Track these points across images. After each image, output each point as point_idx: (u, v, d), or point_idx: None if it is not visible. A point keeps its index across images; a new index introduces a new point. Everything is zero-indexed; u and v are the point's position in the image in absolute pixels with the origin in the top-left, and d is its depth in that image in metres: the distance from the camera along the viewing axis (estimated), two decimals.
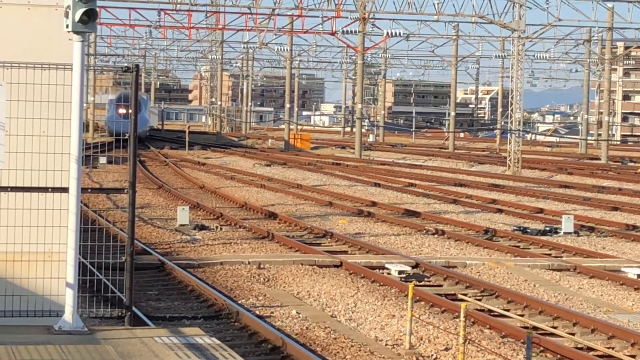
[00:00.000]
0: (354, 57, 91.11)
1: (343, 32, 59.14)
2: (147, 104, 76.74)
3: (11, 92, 9.54)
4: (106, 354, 8.31)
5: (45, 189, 9.52)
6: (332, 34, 60.79)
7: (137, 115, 9.47)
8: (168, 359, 8.21)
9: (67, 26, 9.07)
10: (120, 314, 9.63)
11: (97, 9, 8.88)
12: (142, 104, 70.56)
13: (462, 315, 13.33)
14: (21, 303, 9.49)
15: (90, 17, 8.87)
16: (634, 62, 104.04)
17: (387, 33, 59.58)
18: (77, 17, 8.90)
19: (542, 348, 14.42)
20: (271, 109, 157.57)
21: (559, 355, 14.18)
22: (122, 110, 63.61)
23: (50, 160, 9.60)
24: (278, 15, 58.63)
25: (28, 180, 9.61)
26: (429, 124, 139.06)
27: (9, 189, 9.51)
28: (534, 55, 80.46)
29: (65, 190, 9.34)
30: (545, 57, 78.92)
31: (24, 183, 9.60)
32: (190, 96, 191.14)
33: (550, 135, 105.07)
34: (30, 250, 9.59)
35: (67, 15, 9.01)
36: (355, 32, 59.87)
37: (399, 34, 60.68)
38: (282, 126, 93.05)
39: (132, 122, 9.44)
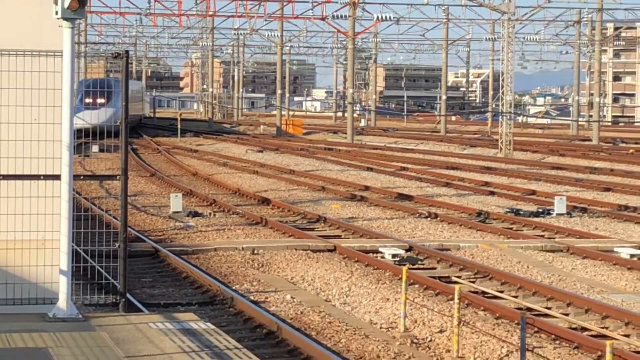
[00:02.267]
0: (344, 42, 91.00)
1: (333, 17, 59.03)
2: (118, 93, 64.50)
3: (1, 80, 9.51)
4: (101, 340, 8.31)
5: (37, 177, 9.50)
6: (323, 19, 60.75)
7: (127, 105, 9.43)
8: (163, 344, 8.22)
9: (57, 13, 9.05)
10: (115, 300, 9.63)
11: None
12: (114, 92, 57.07)
13: (456, 297, 13.36)
14: (15, 291, 9.48)
15: (79, 4, 8.85)
16: (624, 43, 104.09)
17: (378, 17, 59.48)
18: (66, 4, 8.87)
19: (536, 329, 14.46)
20: (262, 95, 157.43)
21: (553, 336, 14.22)
22: (87, 99, 56.03)
23: (42, 148, 9.58)
24: (268, 1, 58.54)
25: (20, 168, 9.59)
26: (420, 107, 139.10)
27: (0, 177, 9.49)
28: (524, 38, 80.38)
29: (57, 177, 9.32)
30: (536, 39, 78.81)
31: (16, 171, 9.58)
32: (181, 83, 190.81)
33: (542, 117, 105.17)
34: (23, 238, 9.57)
35: (56, 2, 8.98)
36: (345, 17, 59.77)
37: (390, 18, 60.57)
38: (274, 112, 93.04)
39: (124, 109, 9.43)
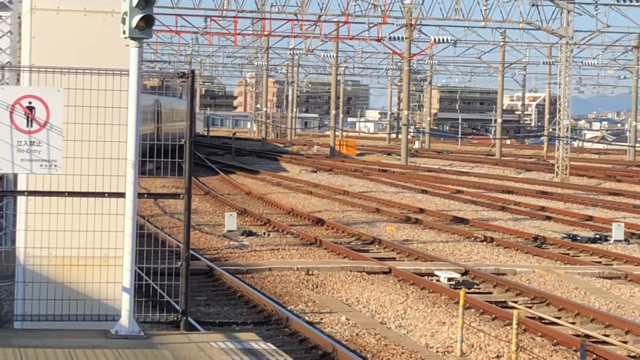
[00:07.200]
0: (399, 64, 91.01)
1: (390, 38, 58.94)
2: None
3: (68, 98, 9.60)
4: (163, 358, 8.30)
5: (102, 194, 9.56)
6: (378, 40, 60.67)
7: (192, 124, 9.47)
8: None
9: (124, 32, 9.11)
10: (176, 318, 9.64)
11: (154, 16, 8.93)
12: None
13: (514, 322, 13.23)
14: (77, 307, 9.54)
15: (147, 23, 8.91)
16: None
17: (434, 39, 59.33)
18: (134, 23, 8.94)
19: (595, 356, 14.28)
20: (316, 115, 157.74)
21: None
22: None
23: (106, 166, 9.65)
24: (324, 21, 58.66)
25: (85, 185, 9.66)
26: (474, 130, 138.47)
27: (66, 194, 9.56)
28: (581, 62, 79.79)
29: (121, 195, 9.37)
30: (593, 63, 78.21)
31: (81, 188, 9.65)
32: (235, 102, 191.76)
33: (598, 142, 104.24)
34: (87, 254, 9.64)
35: (124, 22, 9.05)
36: (401, 38, 59.70)
37: (446, 40, 60.37)
38: (327, 132, 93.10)
39: (188, 127, 9.47)
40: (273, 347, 8.90)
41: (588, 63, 78.86)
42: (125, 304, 9.18)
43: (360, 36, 61.98)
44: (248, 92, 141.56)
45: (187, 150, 9.39)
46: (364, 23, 58.46)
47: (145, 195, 10.48)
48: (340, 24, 61.31)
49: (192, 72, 9.19)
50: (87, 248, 9.62)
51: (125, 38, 9.19)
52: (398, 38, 59.80)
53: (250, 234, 26.87)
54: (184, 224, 9.77)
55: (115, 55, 9.74)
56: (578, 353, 14.28)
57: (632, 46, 76.86)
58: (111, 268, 9.56)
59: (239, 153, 68.16)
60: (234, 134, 76.86)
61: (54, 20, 9.96)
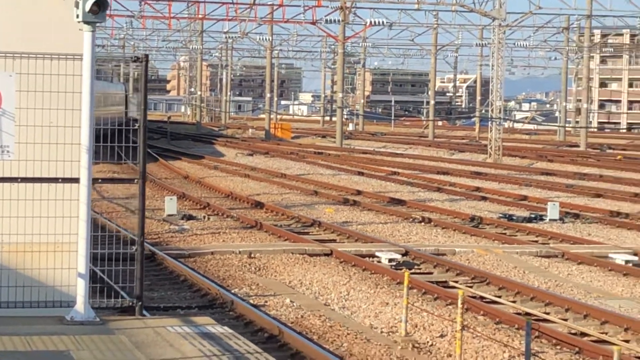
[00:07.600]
0: (333, 46, 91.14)
1: (325, 21, 58.97)
2: None
3: (20, 83, 9.51)
4: (121, 344, 8.33)
5: (55, 180, 9.49)
6: (313, 23, 60.72)
7: (146, 108, 9.46)
8: (183, 348, 8.25)
9: (77, 16, 9.05)
10: (131, 303, 9.65)
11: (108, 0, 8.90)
12: None
13: (459, 302, 13.40)
14: (32, 294, 9.47)
15: (100, 7, 8.89)
16: (612, 50, 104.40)
17: (370, 22, 59.46)
18: (87, 7, 8.89)
19: (537, 334, 14.55)
20: (249, 98, 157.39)
21: (554, 341, 14.32)
22: None
23: (60, 151, 9.58)
24: (259, 5, 58.54)
25: (38, 171, 9.59)
26: (407, 112, 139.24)
27: (19, 180, 9.46)
28: (513, 44, 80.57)
29: (76, 180, 9.31)
30: (525, 45, 78.98)
31: (34, 174, 9.58)
32: (168, 86, 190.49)
33: (529, 123, 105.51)
34: (40, 240, 9.57)
35: (77, 6, 9.00)
36: (336, 21, 59.76)
37: (381, 23, 60.54)
38: (262, 115, 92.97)
39: (143, 112, 9.46)
40: (230, 330, 8.98)
41: (519, 45, 79.59)
42: (80, 289, 9.15)
43: (295, 19, 61.94)
44: (181, 75, 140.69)
45: (140, 135, 9.39)
46: (299, 6, 58.51)
47: (100, 180, 10.42)
48: (275, 7, 61.23)
49: (146, 56, 9.19)
50: (40, 234, 9.54)
51: (79, 22, 9.13)
52: (333, 21, 59.84)
53: (190, 217, 26.85)
54: (139, 208, 9.78)
55: (68, 39, 9.62)
56: (520, 331, 14.58)
57: (563, 27, 77.81)
58: (65, 254, 9.49)
59: (174, 137, 67.84)
60: (169, 117, 76.40)
61: (3, 3, 9.84)
